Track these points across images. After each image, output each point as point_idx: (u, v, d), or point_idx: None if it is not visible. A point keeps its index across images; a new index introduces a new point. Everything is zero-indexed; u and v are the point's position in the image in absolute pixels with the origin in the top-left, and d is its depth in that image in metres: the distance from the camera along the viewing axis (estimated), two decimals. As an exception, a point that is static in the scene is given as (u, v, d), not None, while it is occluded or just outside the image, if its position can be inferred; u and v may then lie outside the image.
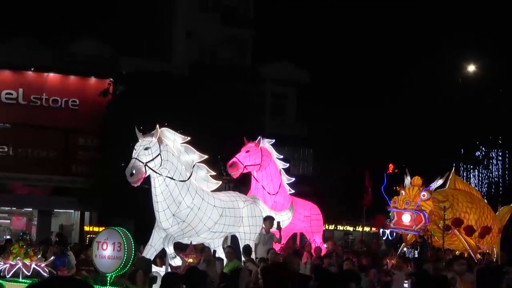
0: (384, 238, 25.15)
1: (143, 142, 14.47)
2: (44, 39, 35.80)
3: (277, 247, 18.13)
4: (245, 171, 18.16)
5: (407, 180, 21.89)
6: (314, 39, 38.55)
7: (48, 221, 34.84)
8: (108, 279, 11.40)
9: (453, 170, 24.44)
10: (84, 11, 37.71)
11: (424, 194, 21.43)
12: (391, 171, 23.97)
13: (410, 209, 21.18)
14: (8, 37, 34.62)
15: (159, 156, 14.42)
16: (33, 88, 35.36)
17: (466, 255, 21.66)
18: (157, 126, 14.66)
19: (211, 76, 34.46)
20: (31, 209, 35.63)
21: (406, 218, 21.29)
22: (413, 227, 21.19)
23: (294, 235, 21.26)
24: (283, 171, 19.45)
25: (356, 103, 36.55)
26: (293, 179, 20.01)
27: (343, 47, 38.25)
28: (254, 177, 18.83)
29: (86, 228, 34.29)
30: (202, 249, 15.97)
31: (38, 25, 35.91)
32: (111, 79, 34.66)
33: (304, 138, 38.45)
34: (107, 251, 11.39)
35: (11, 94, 35.06)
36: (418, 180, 21.84)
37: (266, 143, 18.81)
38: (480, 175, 39.02)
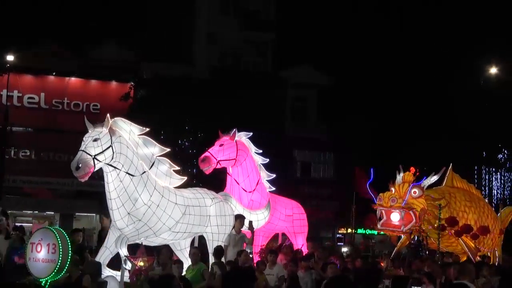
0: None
1: (92, 133, 13.12)
2: (67, 45, 36.11)
3: (256, 249, 17.09)
4: (219, 166, 16.83)
5: (399, 176, 19.55)
6: (335, 42, 38.40)
7: (70, 224, 35.01)
8: (43, 284, 10.21)
9: (450, 167, 21.53)
10: (106, 17, 37.98)
11: (415, 191, 19.08)
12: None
13: (397, 207, 18.88)
14: (31, 43, 34.93)
15: (110, 148, 13.10)
16: (54, 93, 35.73)
17: (465, 257, 19.68)
18: (108, 115, 13.42)
19: (232, 80, 34.48)
20: (52, 213, 35.83)
21: (395, 217, 18.95)
22: (401, 227, 18.98)
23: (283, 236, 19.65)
24: (262, 167, 18.02)
25: (378, 106, 36.35)
26: (274, 175, 18.43)
27: (364, 50, 38.07)
28: (228, 173, 17.47)
29: (108, 232, 34.41)
30: (158, 251, 14.56)
31: (60, 30, 36.23)
32: (132, 83, 34.84)
33: (324, 142, 38.30)
34: (41, 254, 10.22)
35: (33, 98, 35.43)
36: (409, 176, 19.47)
37: (243, 136, 17.42)
38: (503, 178, 38.63)
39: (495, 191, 37.88)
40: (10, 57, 33.25)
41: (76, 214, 35.97)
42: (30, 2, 37.32)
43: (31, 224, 36.15)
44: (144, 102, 33.23)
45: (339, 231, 39.14)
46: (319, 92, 39.73)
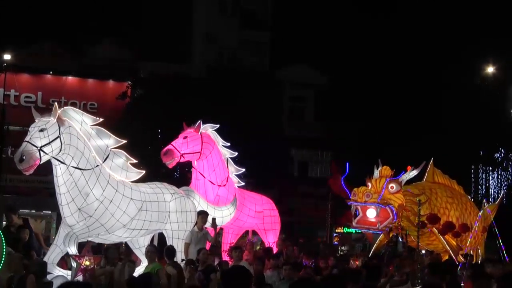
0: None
1: (38, 122, 12.36)
2: (64, 44, 36.12)
3: (225, 247, 16.47)
4: (183, 160, 15.92)
5: (377, 171, 18.32)
6: (332, 42, 38.41)
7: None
8: None
9: (431, 162, 20.33)
10: (104, 15, 38.05)
11: (393, 186, 17.77)
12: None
13: (372, 202, 17.56)
14: (28, 42, 34.92)
15: (58, 139, 12.31)
16: (51, 92, 35.63)
17: (446, 256, 18.63)
18: (56, 104, 12.77)
19: (229, 79, 34.48)
20: (50, 212, 35.78)
21: (371, 213, 17.65)
22: (377, 224, 17.64)
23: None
24: (230, 161, 17.05)
25: (375, 105, 36.33)
26: (243, 169, 17.50)
27: (362, 49, 38.06)
28: (194, 167, 16.52)
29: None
30: (106, 250, 13.74)
31: (57, 29, 36.28)
32: (129, 82, 34.83)
33: (322, 140, 38.27)
34: None
35: (30, 97, 35.35)
36: (386, 170, 18.22)
37: (209, 129, 16.50)
38: (500, 177, 38.52)
39: (492, 190, 37.86)
40: (7, 56, 33.16)
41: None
42: (28, 2, 37.35)
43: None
44: (141, 101, 33.23)
45: (336, 230, 39.13)
46: (316, 92, 39.75)
